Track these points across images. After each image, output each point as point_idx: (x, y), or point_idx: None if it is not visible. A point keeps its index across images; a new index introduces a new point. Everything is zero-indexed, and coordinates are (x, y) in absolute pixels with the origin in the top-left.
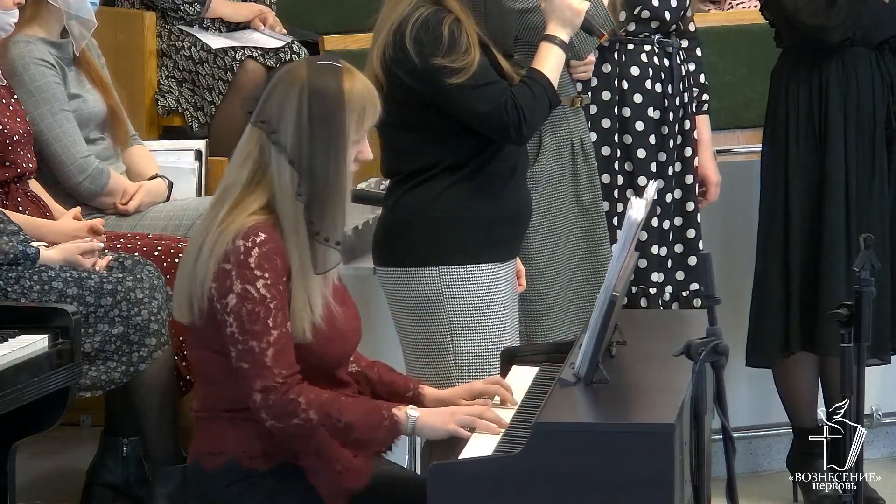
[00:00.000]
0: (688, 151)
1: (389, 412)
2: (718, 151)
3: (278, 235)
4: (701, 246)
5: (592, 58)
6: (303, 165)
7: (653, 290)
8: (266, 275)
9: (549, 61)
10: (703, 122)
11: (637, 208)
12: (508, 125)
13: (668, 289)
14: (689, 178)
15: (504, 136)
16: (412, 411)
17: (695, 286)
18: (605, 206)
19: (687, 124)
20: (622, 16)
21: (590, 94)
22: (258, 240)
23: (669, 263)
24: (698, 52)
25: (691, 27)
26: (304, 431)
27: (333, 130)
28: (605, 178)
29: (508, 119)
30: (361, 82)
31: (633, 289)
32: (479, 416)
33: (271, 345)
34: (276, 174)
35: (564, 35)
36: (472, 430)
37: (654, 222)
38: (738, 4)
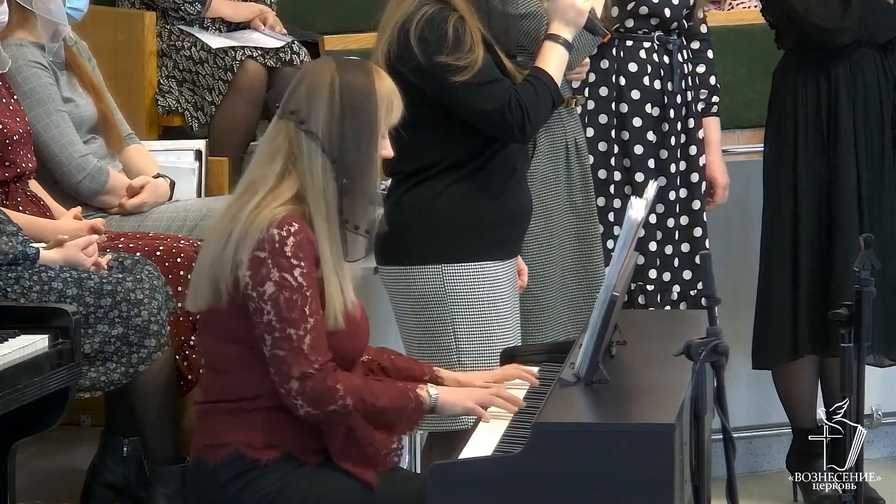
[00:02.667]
0: (692, 150)
1: (415, 392)
2: None
3: (308, 226)
4: (707, 245)
5: (587, 59)
6: (335, 153)
7: (650, 287)
8: (302, 263)
9: (553, 60)
10: (713, 123)
11: (637, 208)
12: (512, 124)
13: (676, 288)
14: (695, 177)
15: (507, 134)
16: (432, 390)
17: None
18: (601, 202)
19: (691, 123)
20: (614, 11)
21: (587, 90)
22: (292, 229)
23: (676, 262)
24: (709, 53)
25: (703, 28)
26: (339, 417)
27: (365, 120)
28: (602, 174)
29: (512, 118)
30: (387, 79)
31: (632, 286)
32: (496, 394)
33: (308, 332)
34: (306, 163)
35: (568, 34)
36: (488, 409)
37: (653, 219)
38: (738, 4)
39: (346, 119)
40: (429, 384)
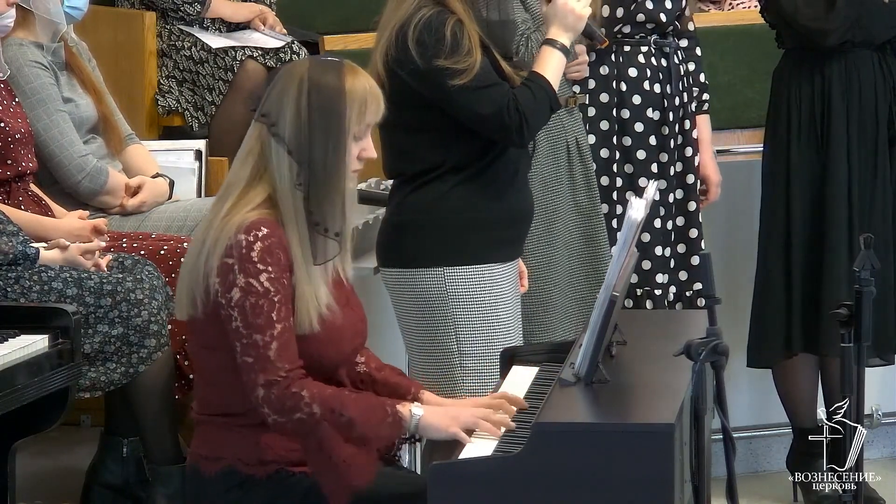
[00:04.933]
0: (688, 151)
1: (393, 409)
2: (718, 151)
3: (280, 230)
4: (703, 246)
5: (585, 56)
6: (301, 155)
7: (658, 292)
8: (269, 268)
9: (551, 65)
10: (704, 121)
11: (637, 208)
12: (510, 127)
13: (672, 289)
14: (691, 178)
15: (505, 138)
16: (416, 409)
17: (698, 286)
18: (605, 208)
19: (687, 124)
20: (606, 10)
21: (587, 95)
22: (260, 234)
23: (672, 264)
24: (697, 51)
25: (690, 26)
26: (306, 427)
27: (332, 121)
28: (604, 181)
29: (510, 121)
30: (364, 78)
31: (639, 291)
32: (483, 418)
33: (275, 338)
34: (276, 166)
35: (566, 39)
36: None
37: (658, 223)
38: (738, 4)
39: (312, 121)
40: (414, 403)
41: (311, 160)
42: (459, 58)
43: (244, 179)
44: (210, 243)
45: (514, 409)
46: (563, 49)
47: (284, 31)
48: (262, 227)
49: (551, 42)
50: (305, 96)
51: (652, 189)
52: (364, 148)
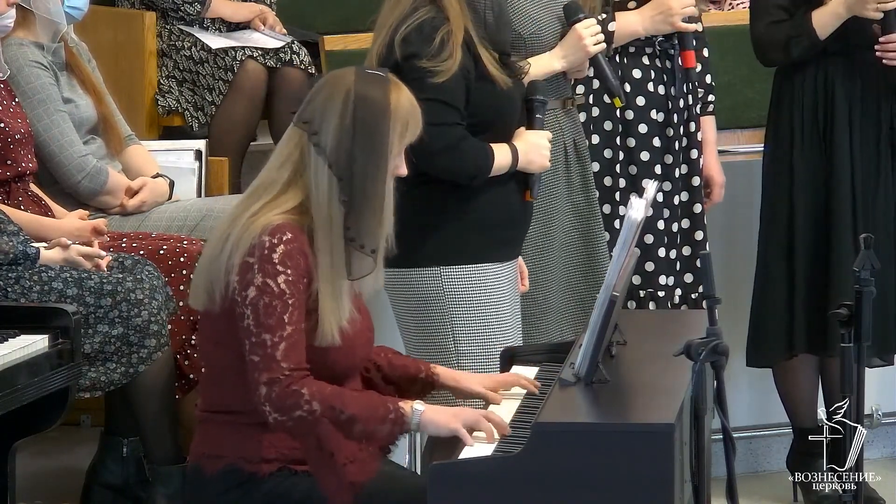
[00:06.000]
0: (693, 153)
1: (395, 405)
2: (718, 151)
3: (304, 237)
4: (708, 247)
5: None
6: (342, 170)
7: (661, 294)
8: (288, 271)
9: (501, 157)
10: (709, 122)
11: (637, 208)
12: (436, 144)
13: (678, 291)
14: (696, 181)
15: (429, 154)
16: (418, 405)
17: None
18: (607, 209)
19: (692, 126)
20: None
21: (591, 97)
22: (284, 237)
23: (678, 266)
24: (705, 52)
25: (698, 27)
26: (307, 424)
27: (377, 139)
28: (608, 181)
29: (441, 142)
30: (407, 97)
31: (642, 293)
32: (485, 416)
33: (284, 339)
34: (312, 176)
35: (520, 162)
36: (474, 432)
37: (661, 225)
38: (738, 4)
39: (356, 137)
40: (416, 401)
41: (352, 176)
42: (438, 62)
43: (279, 184)
44: (233, 240)
45: (528, 383)
46: (514, 162)
47: (284, 31)
48: (287, 232)
49: (514, 151)
50: (351, 110)
51: (652, 189)
52: (398, 165)
